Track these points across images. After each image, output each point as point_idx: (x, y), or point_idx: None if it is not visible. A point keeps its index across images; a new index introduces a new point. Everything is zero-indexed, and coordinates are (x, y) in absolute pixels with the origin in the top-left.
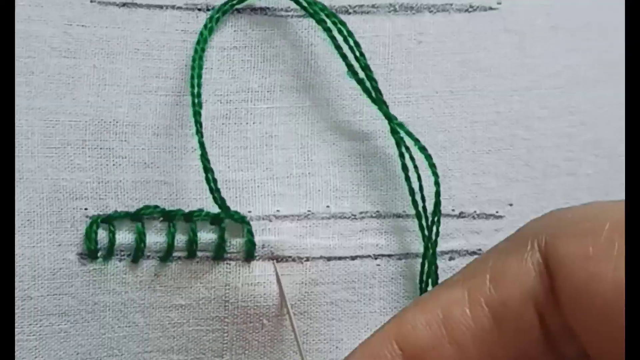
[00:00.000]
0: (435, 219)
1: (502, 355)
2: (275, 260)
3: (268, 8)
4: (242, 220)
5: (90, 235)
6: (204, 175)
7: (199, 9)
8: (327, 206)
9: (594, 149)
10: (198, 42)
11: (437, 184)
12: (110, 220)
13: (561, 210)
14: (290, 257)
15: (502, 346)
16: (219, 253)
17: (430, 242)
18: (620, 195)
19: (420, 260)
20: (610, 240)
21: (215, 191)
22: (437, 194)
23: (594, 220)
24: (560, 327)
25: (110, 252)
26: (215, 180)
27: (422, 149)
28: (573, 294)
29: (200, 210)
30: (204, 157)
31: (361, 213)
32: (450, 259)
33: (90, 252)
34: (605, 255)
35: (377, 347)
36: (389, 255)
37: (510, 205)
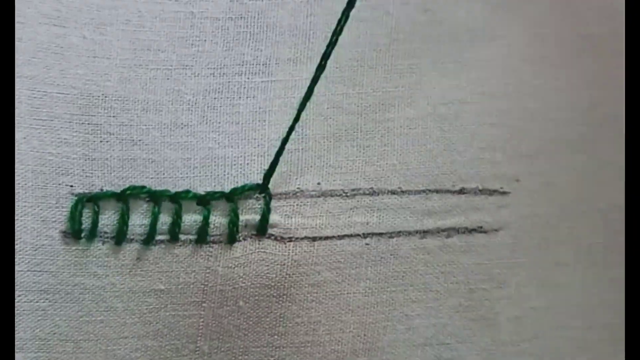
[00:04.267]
0: None
1: None
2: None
3: None
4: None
5: (74, 215)
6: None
7: None
8: (318, 183)
9: (609, 124)
10: None
11: None
12: (95, 200)
13: None
14: (272, 235)
15: None
16: (202, 236)
17: None
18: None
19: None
20: None
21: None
22: None
23: None
24: None
25: (93, 233)
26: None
27: None
28: None
29: (187, 192)
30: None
31: (353, 190)
32: (448, 236)
33: (74, 231)
34: None
35: None
36: (380, 234)
37: (517, 181)
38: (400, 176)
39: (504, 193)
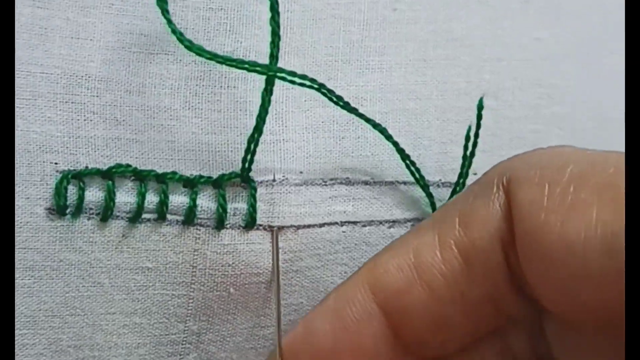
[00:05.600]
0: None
1: (472, 295)
2: (276, 228)
3: None
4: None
5: (60, 191)
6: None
7: None
8: (301, 172)
9: (559, 122)
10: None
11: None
12: (80, 177)
13: (527, 154)
14: (261, 225)
15: (472, 287)
16: (189, 218)
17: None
18: None
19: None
20: (565, 192)
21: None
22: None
23: (555, 168)
24: (521, 269)
25: (79, 209)
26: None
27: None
28: (524, 239)
29: (174, 173)
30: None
31: (332, 180)
32: (412, 226)
33: (59, 207)
34: (557, 207)
35: (350, 291)
36: (355, 222)
37: (475, 174)
38: (372, 167)
39: (463, 186)
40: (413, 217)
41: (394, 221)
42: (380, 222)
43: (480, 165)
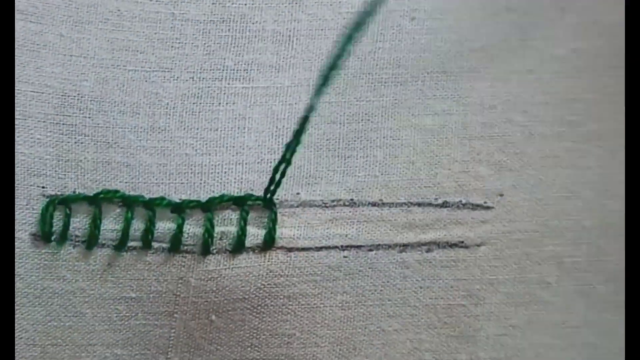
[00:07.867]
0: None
1: None
2: None
3: None
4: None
5: (45, 217)
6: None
7: None
8: (297, 193)
9: (597, 140)
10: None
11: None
12: (67, 203)
13: None
14: (249, 248)
15: None
16: (175, 245)
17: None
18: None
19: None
20: None
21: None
22: None
23: None
24: None
25: (64, 236)
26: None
27: None
28: None
29: (162, 198)
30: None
31: (333, 201)
32: (428, 250)
33: (44, 234)
34: None
35: None
36: (358, 247)
37: (501, 195)
38: (381, 188)
39: (487, 208)
40: (429, 240)
41: (405, 245)
42: (389, 246)
43: (508, 185)
